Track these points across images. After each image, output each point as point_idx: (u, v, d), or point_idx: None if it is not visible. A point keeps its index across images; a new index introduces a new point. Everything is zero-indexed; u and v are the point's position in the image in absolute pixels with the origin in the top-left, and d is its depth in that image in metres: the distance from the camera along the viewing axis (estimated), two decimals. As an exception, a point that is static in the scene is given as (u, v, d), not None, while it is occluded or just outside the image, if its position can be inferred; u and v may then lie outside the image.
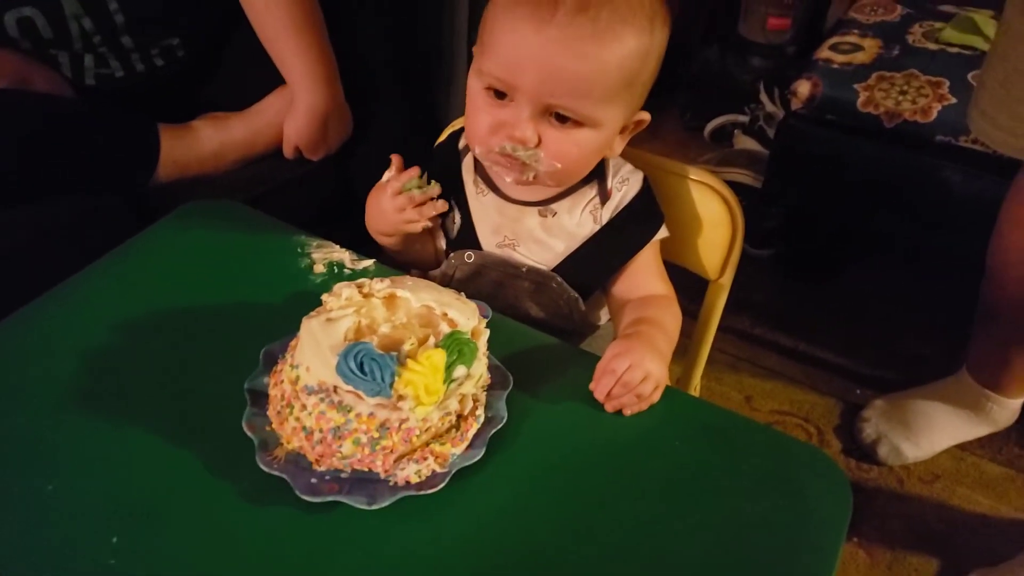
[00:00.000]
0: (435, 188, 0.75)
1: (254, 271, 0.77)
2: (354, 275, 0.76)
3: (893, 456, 1.31)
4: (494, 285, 0.78)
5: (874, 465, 1.32)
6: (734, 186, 1.76)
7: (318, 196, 1.19)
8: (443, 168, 0.79)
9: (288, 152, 1.13)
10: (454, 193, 0.79)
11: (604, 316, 0.82)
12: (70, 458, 0.60)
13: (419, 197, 0.74)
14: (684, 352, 0.92)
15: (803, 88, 1.39)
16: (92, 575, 0.53)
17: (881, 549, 1.22)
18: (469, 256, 0.78)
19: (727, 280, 0.84)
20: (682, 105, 2.05)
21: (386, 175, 0.76)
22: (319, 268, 0.76)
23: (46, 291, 0.74)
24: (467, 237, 0.79)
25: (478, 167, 0.79)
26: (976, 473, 1.32)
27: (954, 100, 1.32)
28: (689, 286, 0.88)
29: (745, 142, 1.85)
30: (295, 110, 1.09)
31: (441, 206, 0.76)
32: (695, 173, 0.82)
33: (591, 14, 0.63)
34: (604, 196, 0.77)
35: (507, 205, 0.78)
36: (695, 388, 0.93)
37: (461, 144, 0.81)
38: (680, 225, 0.82)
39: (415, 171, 0.75)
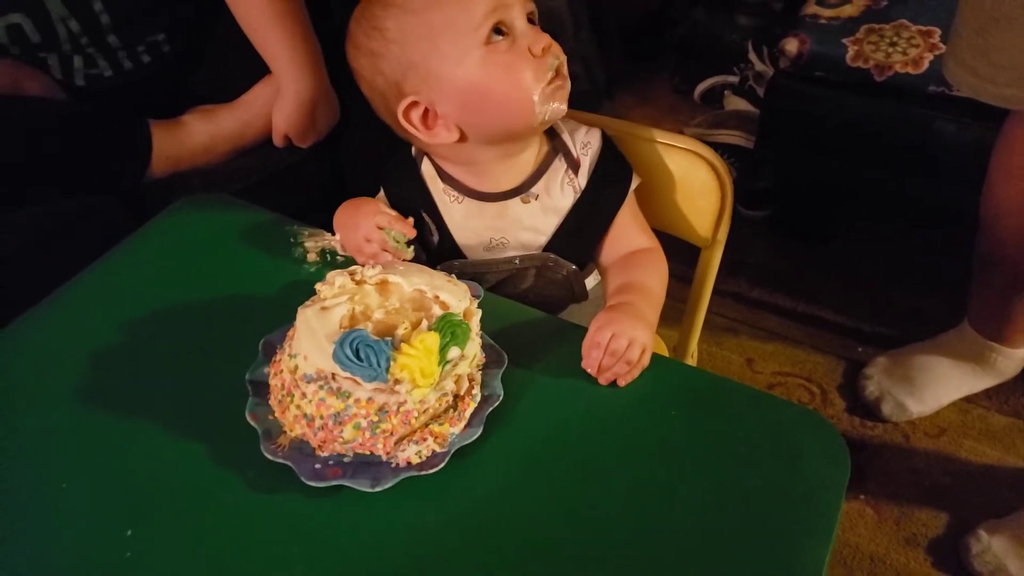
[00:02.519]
0: (407, 254, 0.75)
1: (248, 263, 0.77)
2: (346, 262, 0.77)
3: (897, 412, 1.32)
4: (494, 285, 0.78)
5: (878, 422, 1.33)
6: (726, 148, 1.79)
7: (310, 182, 1.19)
8: (402, 185, 0.80)
9: (278, 140, 1.13)
10: (423, 207, 0.78)
11: (590, 282, 0.83)
12: (81, 456, 0.62)
13: (390, 250, 0.74)
14: (679, 319, 0.92)
15: (790, 46, 1.38)
16: (109, 568, 0.55)
17: (888, 505, 1.23)
18: (454, 267, 0.78)
19: (719, 246, 0.85)
20: (671, 69, 2.03)
21: (384, 207, 0.76)
22: (312, 257, 0.77)
23: (46, 293, 0.76)
24: (448, 249, 0.79)
25: (442, 175, 0.79)
26: (982, 425, 1.33)
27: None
28: (682, 251, 0.88)
29: (736, 103, 1.84)
30: (282, 98, 1.09)
31: (396, 264, 0.74)
32: (681, 140, 0.82)
33: None
34: (574, 165, 0.78)
35: (487, 205, 0.78)
36: (692, 355, 0.94)
37: (413, 151, 0.80)
38: (668, 194, 0.83)
39: (411, 230, 0.75)
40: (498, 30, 0.70)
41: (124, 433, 0.62)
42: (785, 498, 0.58)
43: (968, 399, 1.34)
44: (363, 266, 0.64)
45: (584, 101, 1.82)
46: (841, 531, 1.20)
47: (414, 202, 0.79)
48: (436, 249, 0.79)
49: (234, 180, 1.12)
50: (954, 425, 1.33)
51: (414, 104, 0.72)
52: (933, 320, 1.38)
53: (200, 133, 1.10)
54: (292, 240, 0.79)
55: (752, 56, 1.86)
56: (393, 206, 0.79)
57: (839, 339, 1.46)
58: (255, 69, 1.10)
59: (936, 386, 1.32)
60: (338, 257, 0.78)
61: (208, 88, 1.15)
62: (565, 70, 0.73)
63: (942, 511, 1.22)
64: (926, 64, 1.31)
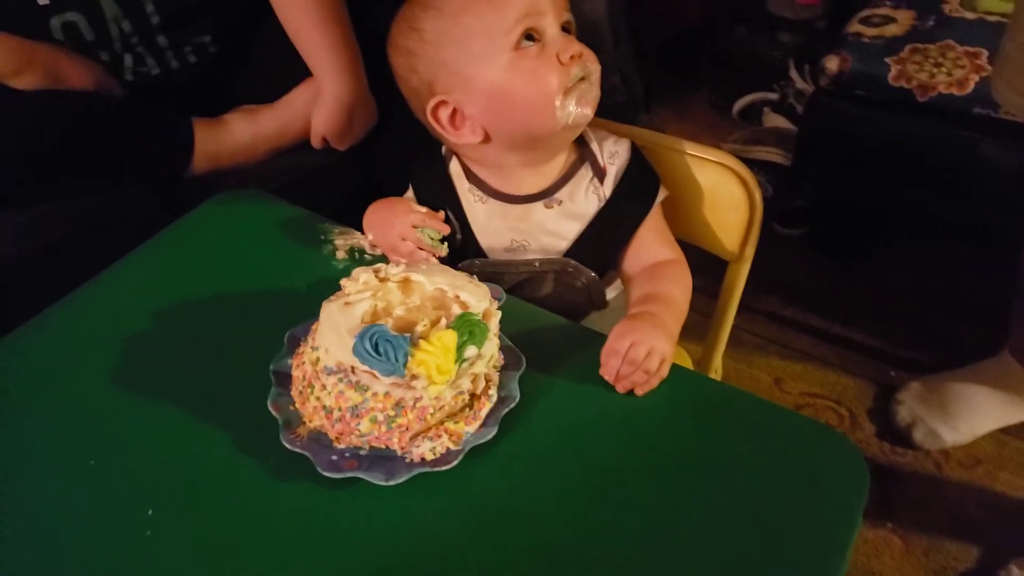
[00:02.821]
0: (443, 251, 0.77)
1: (279, 258, 0.79)
2: (374, 260, 0.78)
3: (930, 440, 1.29)
4: (512, 286, 0.78)
5: (909, 449, 1.30)
6: (763, 165, 1.77)
7: (346, 184, 1.21)
8: (430, 183, 0.81)
9: (316, 142, 1.15)
10: (448, 205, 0.80)
11: (612, 292, 0.83)
12: (109, 435, 0.64)
13: (426, 247, 0.76)
14: (706, 333, 0.92)
15: (831, 64, 1.37)
16: (130, 544, 0.57)
17: (917, 536, 1.19)
18: (476, 266, 0.79)
19: (746, 261, 0.84)
20: (710, 84, 2.03)
21: (416, 206, 0.78)
22: (341, 254, 0.79)
23: (84, 279, 0.78)
24: (470, 247, 0.80)
25: (469, 175, 0.80)
26: (1020, 458, 1.28)
27: (992, 71, 1.29)
28: (711, 264, 0.88)
29: (774, 120, 1.83)
30: (321, 101, 1.11)
31: (432, 262, 0.76)
32: (712, 153, 0.82)
33: None
34: (600, 174, 0.78)
35: (511, 207, 0.79)
36: (716, 369, 0.93)
37: (443, 151, 0.82)
38: (697, 206, 0.82)
39: (444, 227, 0.77)
40: (529, 36, 0.72)
41: (151, 416, 0.64)
42: (800, 516, 0.58)
43: (1005, 430, 1.30)
44: (395, 264, 0.66)
45: (621, 114, 1.82)
46: (866, 560, 1.18)
47: (440, 200, 0.80)
48: (459, 248, 0.80)
49: (271, 179, 1.14)
50: (990, 457, 1.29)
51: (443, 103, 0.74)
52: (971, 347, 1.35)
53: (241, 132, 1.12)
54: (323, 237, 0.80)
55: (793, 74, 1.85)
56: (419, 201, 0.80)
57: (872, 362, 1.44)
58: (297, 71, 1.13)
59: (972, 415, 1.28)
60: (366, 255, 0.79)
61: (251, 89, 1.18)
62: (596, 79, 0.74)
63: (973, 544, 1.18)
64: (971, 85, 1.29)
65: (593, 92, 0.74)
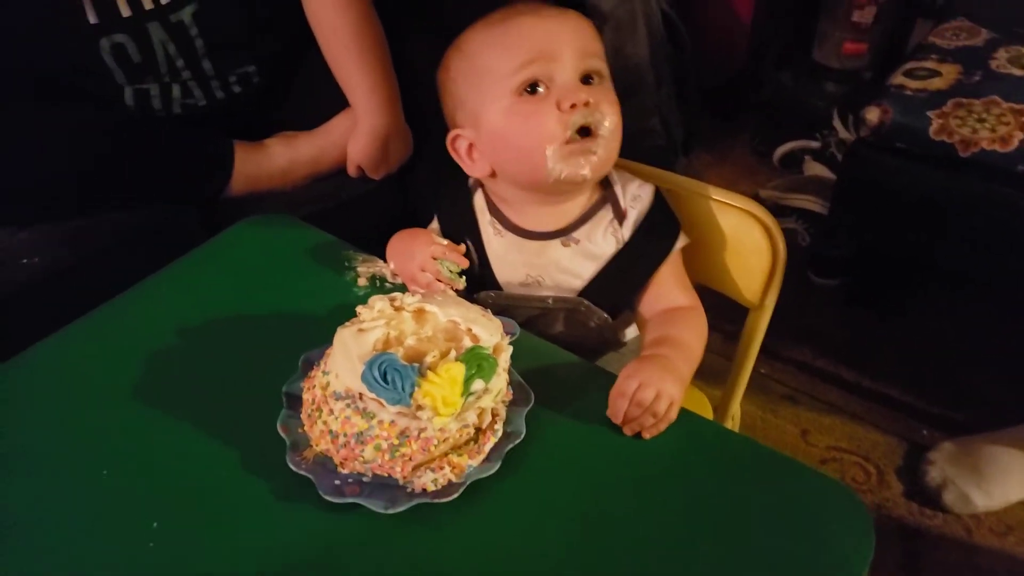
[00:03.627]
0: (460, 284, 0.78)
1: (302, 282, 0.81)
2: (394, 288, 0.79)
3: (960, 503, 1.25)
4: (524, 321, 0.78)
5: (939, 511, 1.26)
6: (801, 213, 1.76)
7: (381, 212, 1.23)
8: (454, 213, 0.83)
9: (351, 171, 1.18)
10: (468, 235, 0.81)
11: (630, 333, 0.83)
12: (123, 447, 0.65)
13: (443, 278, 0.77)
14: (723, 378, 0.91)
15: (872, 115, 1.36)
16: (133, 555, 0.58)
17: (944, 600, 1.16)
18: (491, 298, 0.80)
19: (767, 310, 0.83)
20: (751, 130, 2.03)
21: (437, 238, 0.80)
22: (362, 281, 0.80)
23: (119, 293, 0.81)
24: (486, 279, 0.81)
25: (491, 207, 0.81)
26: (1055, 527, 1.24)
27: (1039, 129, 1.27)
28: (736, 310, 0.87)
29: (815, 168, 1.81)
30: (358, 131, 1.14)
31: (449, 295, 0.76)
32: (736, 199, 0.82)
33: (556, 7, 0.77)
34: (620, 216, 0.78)
35: (528, 242, 0.79)
36: (733, 416, 0.92)
37: (470, 182, 0.84)
38: (718, 251, 0.82)
39: (464, 261, 0.78)
40: (535, 82, 0.73)
41: (163, 430, 0.66)
42: (803, 570, 0.56)
43: (1042, 499, 1.26)
44: (412, 294, 0.67)
45: (659, 156, 1.83)
46: (891, 622, 1.14)
47: (461, 230, 0.81)
48: (476, 279, 0.81)
49: (307, 204, 1.17)
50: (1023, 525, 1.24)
51: (460, 136, 0.78)
52: (1008, 409, 1.31)
53: (279, 156, 1.16)
54: (346, 264, 0.82)
55: (837, 123, 1.84)
56: (443, 231, 0.82)
57: (903, 418, 1.40)
58: (338, 101, 1.16)
59: (1006, 480, 1.24)
60: (387, 283, 0.80)
61: (293, 117, 1.21)
62: (609, 130, 0.73)
63: (1003, 615, 1.14)
64: (1015, 142, 1.27)
65: (598, 146, 0.72)
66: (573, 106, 0.71)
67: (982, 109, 1.33)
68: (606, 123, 0.73)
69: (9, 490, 0.62)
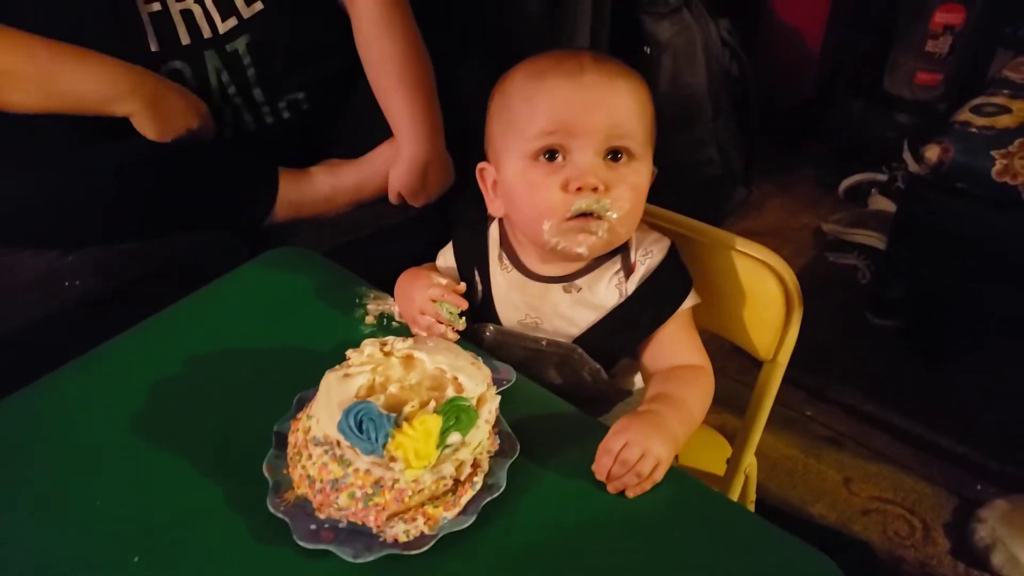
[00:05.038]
0: (460, 325, 0.78)
1: (311, 319, 0.83)
2: (401, 327, 0.80)
3: (1009, 567, 1.17)
4: (519, 360, 0.78)
5: (986, 573, 1.19)
6: (863, 249, 1.69)
7: (418, 241, 1.25)
8: (470, 239, 0.83)
9: (392, 198, 1.20)
10: (477, 264, 0.82)
11: (638, 381, 0.82)
12: (117, 477, 0.67)
13: (444, 320, 0.77)
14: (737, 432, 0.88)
15: (931, 153, 1.30)
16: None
17: (986, 670, 1.09)
18: (489, 330, 0.80)
19: (780, 367, 0.81)
20: (817, 160, 1.96)
21: (437, 279, 0.80)
22: (370, 319, 0.81)
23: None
24: (487, 311, 0.81)
25: (503, 241, 0.81)
26: (1112, 598, 1.15)
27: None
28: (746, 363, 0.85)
29: (880, 203, 1.74)
30: (399, 159, 1.17)
31: (451, 336, 0.77)
32: (753, 249, 0.79)
33: (607, 66, 0.73)
34: (628, 269, 0.77)
35: (530, 283, 0.79)
36: (744, 470, 0.89)
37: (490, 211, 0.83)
38: (730, 300, 0.80)
39: (463, 302, 0.78)
40: (552, 151, 0.72)
41: (158, 464, 0.68)
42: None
43: (1101, 569, 1.17)
44: (403, 340, 0.67)
45: (717, 187, 1.80)
46: None
47: (472, 258, 0.82)
48: (477, 308, 0.81)
49: (349, 231, 1.20)
50: (1079, 595, 1.16)
51: (486, 169, 0.79)
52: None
53: (323, 183, 1.19)
54: (357, 301, 0.84)
55: (906, 156, 1.75)
56: (456, 256, 0.83)
57: (955, 471, 1.32)
58: (384, 130, 1.19)
59: (1064, 545, 1.16)
60: (394, 323, 0.81)
61: (339, 144, 1.25)
62: (620, 215, 0.71)
63: None
64: (1087, 187, 1.19)
65: (600, 228, 0.71)
66: (579, 189, 0.70)
67: (1054, 149, 1.25)
68: (612, 213, 0.71)
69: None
